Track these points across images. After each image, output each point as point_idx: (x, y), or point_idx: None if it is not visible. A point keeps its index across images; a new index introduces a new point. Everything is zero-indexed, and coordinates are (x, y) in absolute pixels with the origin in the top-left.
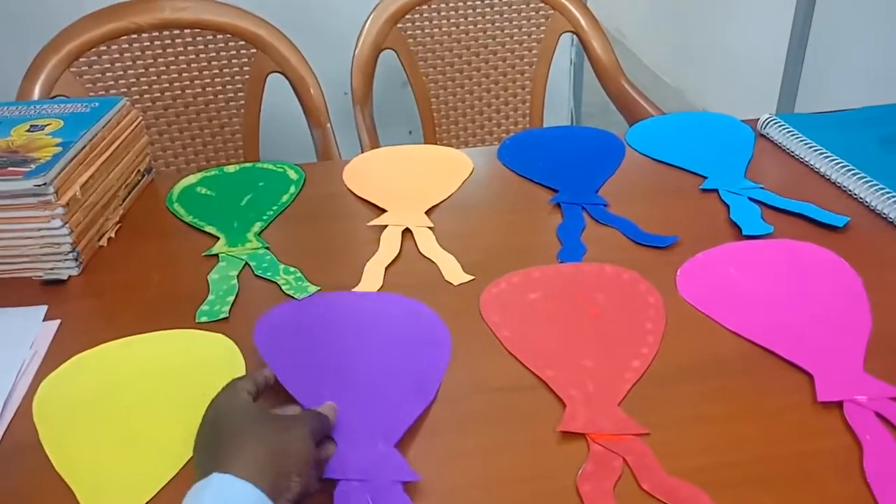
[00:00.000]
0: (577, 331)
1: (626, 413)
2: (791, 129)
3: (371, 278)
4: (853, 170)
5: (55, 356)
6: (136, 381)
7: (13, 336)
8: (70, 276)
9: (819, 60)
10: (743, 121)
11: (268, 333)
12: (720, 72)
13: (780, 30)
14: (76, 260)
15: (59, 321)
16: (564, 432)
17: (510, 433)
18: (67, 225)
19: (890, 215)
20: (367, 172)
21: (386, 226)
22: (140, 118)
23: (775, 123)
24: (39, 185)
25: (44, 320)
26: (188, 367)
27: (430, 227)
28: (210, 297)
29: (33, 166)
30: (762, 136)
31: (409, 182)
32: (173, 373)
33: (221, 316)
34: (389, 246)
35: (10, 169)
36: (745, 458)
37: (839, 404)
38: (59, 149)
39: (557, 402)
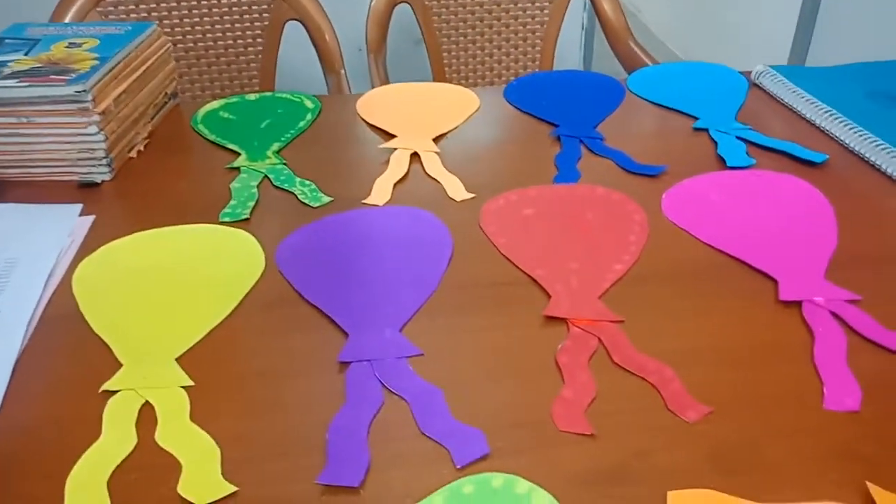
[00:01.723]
0: (567, 240)
1: (605, 305)
2: (782, 78)
3: (380, 193)
4: (835, 114)
5: (91, 244)
6: (166, 263)
7: (53, 226)
8: (103, 181)
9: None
10: (739, 72)
11: (287, 254)
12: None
13: (790, 7)
14: (109, 166)
15: (93, 216)
16: (549, 317)
17: (501, 317)
18: (103, 132)
19: (865, 154)
20: (379, 104)
21: (395, 149)
22: (168, 44)
23: (768, 74)
24: (79, 92)
25: (79, 216)
26: (213, 254)
27: (436, 152)
28: (232, 201)
29: (73, 75)
30: (756, 85)
31: (419, 113)
32: (199, 258)
33: (243, 217)
34: (398, 166)
35: (52, 77)
36: (709, 345)
37: (799, 305)
38: (97, 62)
39: (544, 295)
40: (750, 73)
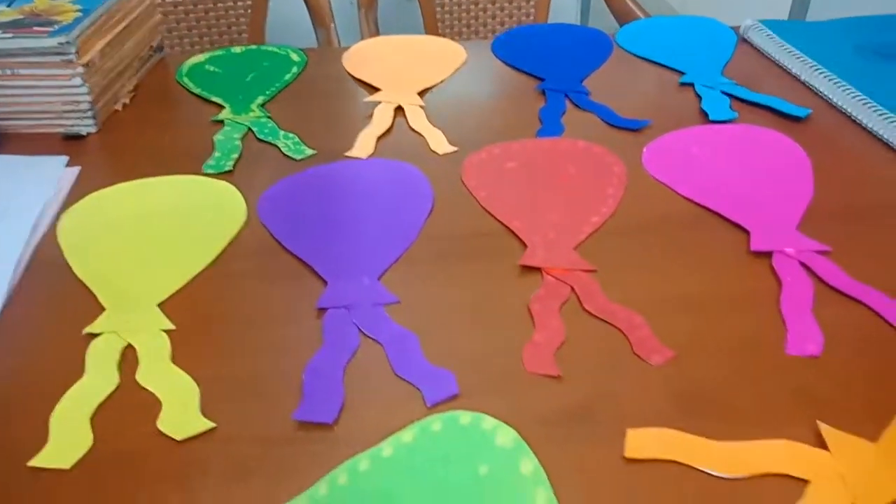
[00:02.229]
0: (546, 193)
1: (580, 255)
2: (770, 33)
3: (363, 146)
4: (821, 69)
5: (76, 195)
6: (149, 212)
7: (39, 177)
8: (88, 133)
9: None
10: (730, 26)
11: (269, 204)
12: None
13: None
14: (94, 118)
15: (79, 168)
16: (524, 267)
17: (477, 267)
18: (87, 84)
19: (849, 110)
20: (365, 58)
21: (379, 102)
22: None
23: (757, 28)
24: (63, 44)
25: (65, 167)
26: (196, 205)
27: (420, 106)
28: (216, 153)
29: (56, 27)
30: (744, 40)
31: (405, 66)
32: (182, 208)
33: (226, 169)
34: (382, 119)
35: (35, 28)
36: (678, 293)
37: (770, 255)
38: (80, 14)
39: (522, 246)
40: (739, 27)
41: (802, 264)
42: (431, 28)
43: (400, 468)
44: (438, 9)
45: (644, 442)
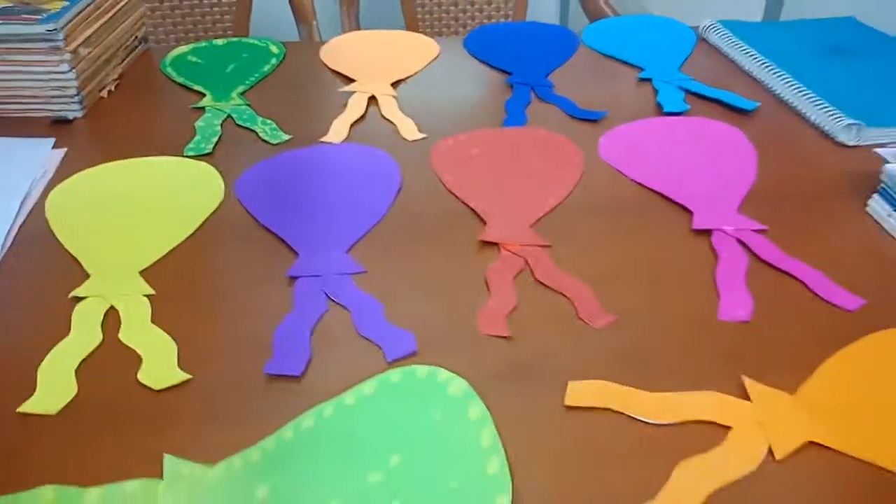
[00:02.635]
0: (507, 177)
1: (535, 232)
2: (727, 32)
3: (336, 132)
4: (771, 66)
5: (63, 174)
6: (133, 189)
7: (26, 157)
8: (75, 118)
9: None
10: (690, 26)
11: (246, 184)
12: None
13: None
14: (81, 103)
15: (65, 149)
16: (483, 243)
17: (440, 242)
18: (74, 70)
19: (794, 103)
20: (342, 51)
21: (354, 92)
22: None
23: (715, 28)
24: (51, 31)
25: (52, 149)
26: (177, 183)
27: (393, 96)
28: (196, 137)
29: (44, 15)
30: (703, 39)
31: (379, 59)
32: (164, 186)
33: (206, 152)
34: (355, 108)
35: (24, 16)
36: (623, 266)
37: (710, 234)
38: (67, 3)
39: (482, 224)
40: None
41: (740, 241)
42: (412, 26)
43: (361, 414)
44: (419, 8)
45: (583, 392)
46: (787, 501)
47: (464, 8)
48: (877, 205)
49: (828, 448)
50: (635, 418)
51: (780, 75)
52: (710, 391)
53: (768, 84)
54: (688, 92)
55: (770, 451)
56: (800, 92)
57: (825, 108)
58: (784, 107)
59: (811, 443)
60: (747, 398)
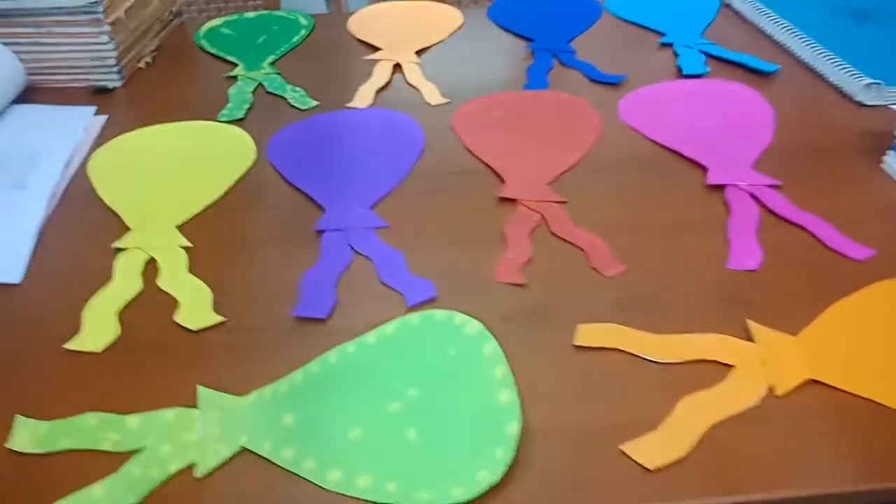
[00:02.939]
0: (527, 137)
1: (553, 189)
2: None
3: (362, 98)
4: (793, 29)
5: (104, 138)
6: (170, 151)
7: (70, 122)
8: (115, 87)
9: None
10: None
11: (276, 146)
12: None
13: None
14: (120, 73)
15: (106, 116)
16: (502, 199)
17: (460, 198)
18: (114, 41)
19: (815, 65)
20: (368, 21)
21: (379, 60)
22: None
23: None
24: (92, 3)
25: (93, 116)
26: (211, 145)
27: (417, 63)
28: (229, 104)
29: None
30: (727, 5)
31: (405, 29)
32: (199, 147)
33: (238, 117)
34: (381, 75)
35: None
36: (637, 219)
37: (724, 189)
38: None
39: (501, 182)
40: None
41: (753, 196)
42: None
43: (382, 351)
44: None
45: (592, 333)
46: (787, 434)
47: None
48: (892, 161)
49: (827, 385)
50: (641, 357)
51: (801, 38)
52: (715, 333)
53: (790, 47)
54: (709, 56)
55: (771, 389)
56: (820, 54)
57: (845, 68)
58: (805, 69)
59: (811, 381)
60: (751, 340)
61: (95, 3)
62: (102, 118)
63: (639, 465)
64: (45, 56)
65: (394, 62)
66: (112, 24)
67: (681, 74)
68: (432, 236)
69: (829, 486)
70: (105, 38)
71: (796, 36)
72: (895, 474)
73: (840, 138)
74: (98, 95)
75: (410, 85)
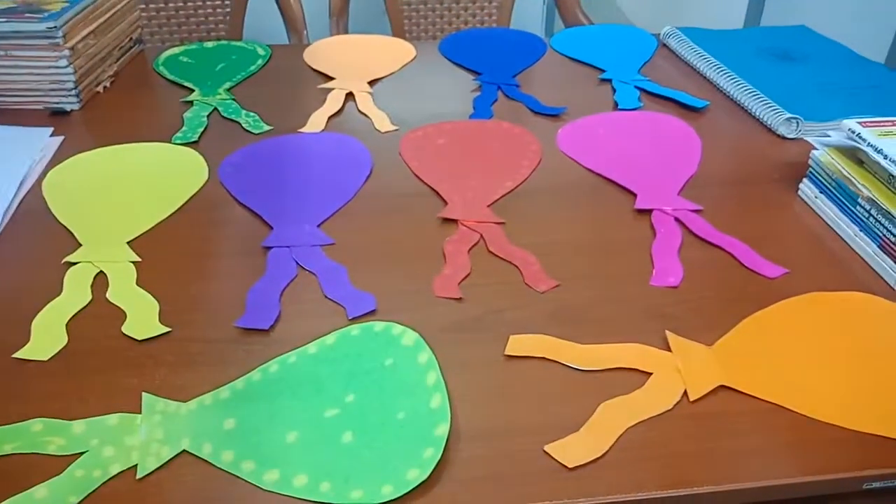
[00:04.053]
0: (470, 163)
1: (491, 211)
2: (685, 38)
3: (315, 124)
4: (722, 67)
5: (59, 158)
6: (124, 171)
7: (26, 143)
8: (72, 110)
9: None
10: (652, 33)
11: (228, 168)
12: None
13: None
14: (77, 96)
15: (62, 137)
16: (444, 219)
17: (404, 218)
18: (72, 65)
19: (741, 101)
20: (324, 52)
21: (333, 88)
22: None
23: (674, 34)
24: (51, 28)
25: (50, 137)
26: (164, 166)
27: (369, 92)
28: (184, 128)
29: (45, 14)
30: (664, 44)
31: (358, 60)
32: (152, 168)
33: (192, 140)
34: (333, 103)
35: (27, 15)
36: (569, 240)
37: (651, 213)
38: (67, 4)
39: (444, 204)
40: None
41: (677, 220)
42: (399, 35)
43: (322, 361)
44: (406, 21)
45: (522, 344)
46: (698, 435)
47: (449, 20)
48: (806, 188)
49: (737, 391)
50: (567, 366)
51: (729, 76)
52: (636, 343)
53: (720, 84)
54: (644, 91)
55: (685, 394)
56: (746, 90)
57: (768, 104)
58: (733, 105)
59: (723, 387)
60: (668, 350)
61: (55, 27)
62: (59, 139)
63: (560, 464)
64: (4, 77)
65: (347, 91)
66: (71, 48)
67: (617, 108)
68: (376, 253)
69: (737, 481)
70: (64, 63)
71: (726, 74)
72: (796, 471)
73: (761, 167)
74: (55, 117)
75: (362, 113)
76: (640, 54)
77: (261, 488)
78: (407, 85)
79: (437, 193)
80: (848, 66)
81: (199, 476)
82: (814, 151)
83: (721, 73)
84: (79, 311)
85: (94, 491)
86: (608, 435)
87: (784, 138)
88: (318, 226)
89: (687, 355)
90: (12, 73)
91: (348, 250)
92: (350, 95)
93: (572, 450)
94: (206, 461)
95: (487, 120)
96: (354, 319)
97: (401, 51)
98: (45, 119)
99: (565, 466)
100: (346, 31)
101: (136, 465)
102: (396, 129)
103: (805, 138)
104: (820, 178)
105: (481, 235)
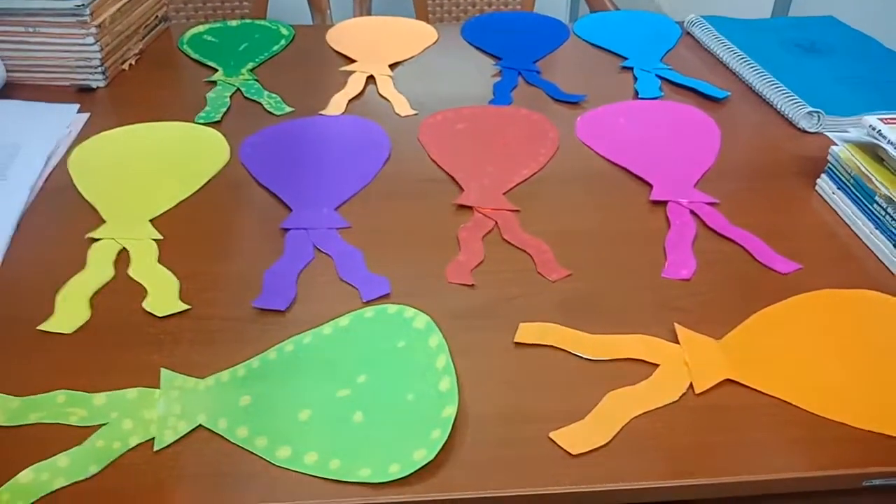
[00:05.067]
0: (487, 149)
1: (507, 199)
2: (709, 27)
3: (335, 106)
4: (744, 57)
5: (85, 135)
6: (148, 149)
7: (53, 119)
8: (98, 87)
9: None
10: (676, 21)
11: (249, 149)
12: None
13: None
14: (104, 74)
15: (88, 114)
16: (459, 206)
17: (420, 204)
18: (99, 43)
19: (763, 92)
20: (346, 34)
21: (354, 71)
22: None
23: (698, 23)
24: (79, 6)
25: (76, 113)
26: (187, 145)
27: (389, 76)
28: (207, 108)
29: None
30: (688, 33)
31: (380, 43)
32: (175, 147)
33: (215, 119)
34: (354, 85)
35: None
36: (584, 230)
37: (666, 205)
38: None
39: (460, 190)
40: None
41: (692, 213)
42: (422, 17)
43: (336, 342)
44: (430, 1)
45: (531, 331)
46: (702, 427)
47: (472, 2)
48: (824, 183)
49: (743, 385)
50: (575, 355)
51: (752, 67)
52: (644, 335)
53: (742, 75)
54: (665, 80)
55: (691, 387)
56: (769, 82)
57: (790, 96)
58: (754, 96)
59: (730, 381)
60: (677, 342)
61: (82, 5)
62: (84, 116)
63: (564, 450)
64: (32, 54)
65: (368, 74)
66: (98, 26)
67: (637, 97)
68: (391, 237)
69: (738, 474)
70: (90, 40)
71: (748, 65)
72: (798, 466)
73: (779, 161)
74: (81, 94)
75: (382, 96)
76: (663, 42)
77: (273, 464)
78: (428, 69)
79: (454, 179)
80: (876, 59)
81: (214, 450)
82: (833, 147)
83: (744, 64)
84: (102, 287)
85: (113, 461)
86: (613, 424)
87: (804, 132)
88: (336, 209)
89: (695, 348)
90: (40, 50)
91: (364, 234)
92: (371, 78)
93: (577, 437)
94: (221, 436)
95: (506, 106)
96: (369, 302)
97: (423, 34)
98: (71, 95)
99: (569, 453)
100: (369, 11)
101: (153, 438)
102: (416, 114)
103: (826, 133)
104: (838, 174)
105: (496, 223)
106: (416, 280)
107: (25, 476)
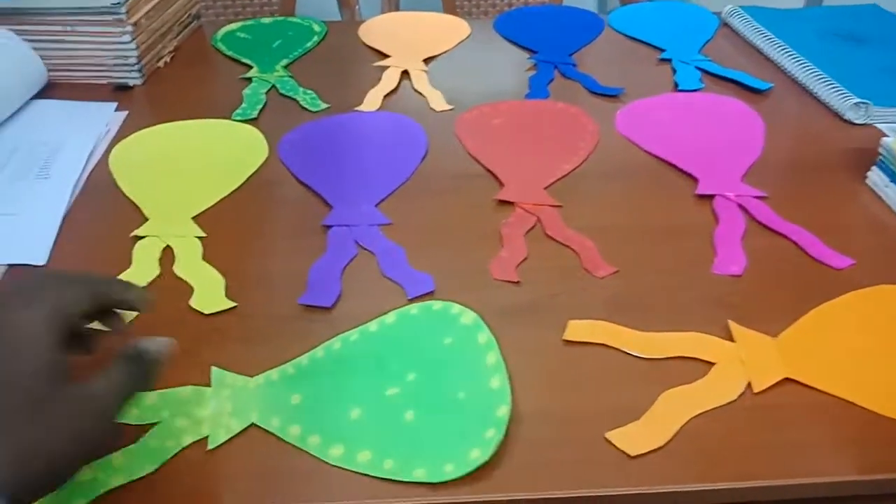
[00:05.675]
0: (526, 144)
1: (548, 194)
2: (748, 17)
3: (371, 102)
4: (785, 48)
5: (123, 133)
6: (187, 147)
7: (92, 118)
8: (135, 85)
9: None
10: (713, 12)
11: (287, 145)
12: None
13: None
14: (140, 71)
15: (126, 112)
16: (500, 201)
17: (461, 199)
18: (135, 41)
19: (806, 83)
20: (379, 29)
21: (388, 66)
22: None
23: (736, 13)
24: (115, 4)
25: (114, 112)
26: (225, 143)
27: (424, 71)
28: (243, 104)
29: None
30: (725, 24)
31: (413, 38)
32: (214, 144)
33: (251, 116)
34: (389, 80)
35: None
36: (628, 224)
37: (713, 199)
38: None
39: (500, 185)
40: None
41: (740, 207)
42: (450, 11)
43: (383, 339)
44: None
45: (580, 329)
46: (761, 428)
47: None
48: (875, 176)
49: (802, 384)
50: (627, 353)
51: (795, 58)
52: (697, 332)
53: (784, 66)
54: (704, 72)
55: (749, 386)
56: (812, 73)
57: (835, 87)
58: (797, 88)
59: (787, 380)
60: (732, 340)
61: (118, 4)
62: (123, 114)
63: (621, 451)
64: (69, 53)
65: (402, 69)
66: (134, 24)
67: (677, 89)
68: (433, 234)
69: (799, 476)
70: (127, 38)
71: (790, 55)
72: (861, 467)
73: (827, 154)
74: (119, 92)
75: (417, 91)
76: (700, 33)
77: (326, 462)
78: (462, 63)
79: (493, 174)
80: None
81: (267, 449)
82: (884, 139)
83: (785, 54)
84: (148, 284)
85: (168, 460)
86: (670, 424)
87: (852, 123)
88: (376, 205)
89: (751, 346)
90: (77, 49)
91: (405, 231)
92: (405, 73)
93: (634, 438)
94: (273, 434)
95: (543, 100)
96: (413, 299)
97: (456, 28)
98: (108, 94)
99: (627, 454)
100: (397, 7)
101: (206, 437)
102: (451, 109)
103: (874, 124)
104: (891, 165)
105: (538, 218)
106: (459, 277)
107: (84, 474)
